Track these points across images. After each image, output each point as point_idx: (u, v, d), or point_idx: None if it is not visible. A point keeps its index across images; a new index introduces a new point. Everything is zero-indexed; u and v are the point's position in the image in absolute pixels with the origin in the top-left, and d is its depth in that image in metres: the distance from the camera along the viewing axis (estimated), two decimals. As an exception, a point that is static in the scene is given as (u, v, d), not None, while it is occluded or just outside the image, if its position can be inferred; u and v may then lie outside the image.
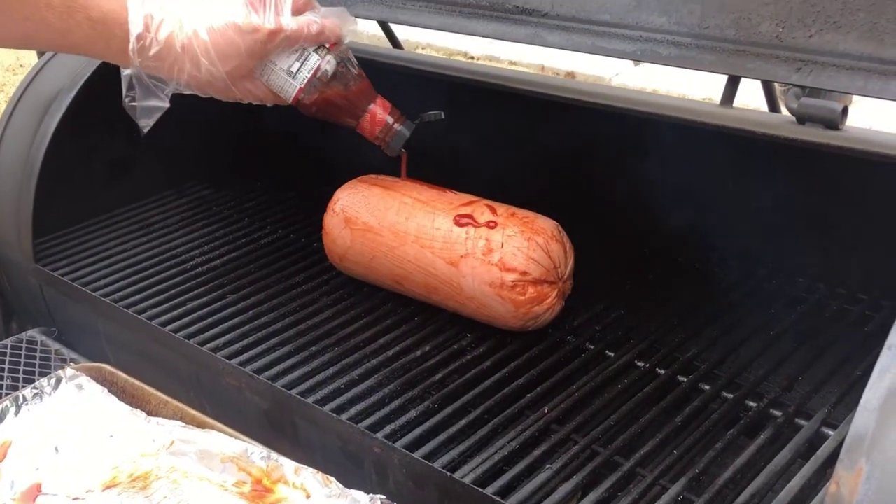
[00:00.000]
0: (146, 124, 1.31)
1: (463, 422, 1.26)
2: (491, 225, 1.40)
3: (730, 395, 1.31)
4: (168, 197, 2.00)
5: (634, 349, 1.41)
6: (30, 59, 4.49)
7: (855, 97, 1.82)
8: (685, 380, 1.35)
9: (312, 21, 1.30)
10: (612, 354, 1.42)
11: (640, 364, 1.38)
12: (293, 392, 1.33)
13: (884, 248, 1.41)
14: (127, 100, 1.29)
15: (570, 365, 1.39)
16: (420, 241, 1.45)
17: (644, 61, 1.33)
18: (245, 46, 1.24)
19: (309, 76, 1.32)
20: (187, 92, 1.29)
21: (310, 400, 1.31)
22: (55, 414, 1.29)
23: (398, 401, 1.32)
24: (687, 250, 1.62)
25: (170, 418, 1.23)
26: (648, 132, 1.43)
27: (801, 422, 1.23)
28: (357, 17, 1.63)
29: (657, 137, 1.44)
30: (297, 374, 1.39)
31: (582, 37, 1.39)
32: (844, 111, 1.16)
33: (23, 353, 1.67)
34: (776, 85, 1.37)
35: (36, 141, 1.76)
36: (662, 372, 1.37)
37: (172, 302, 1.60)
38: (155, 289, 1.65)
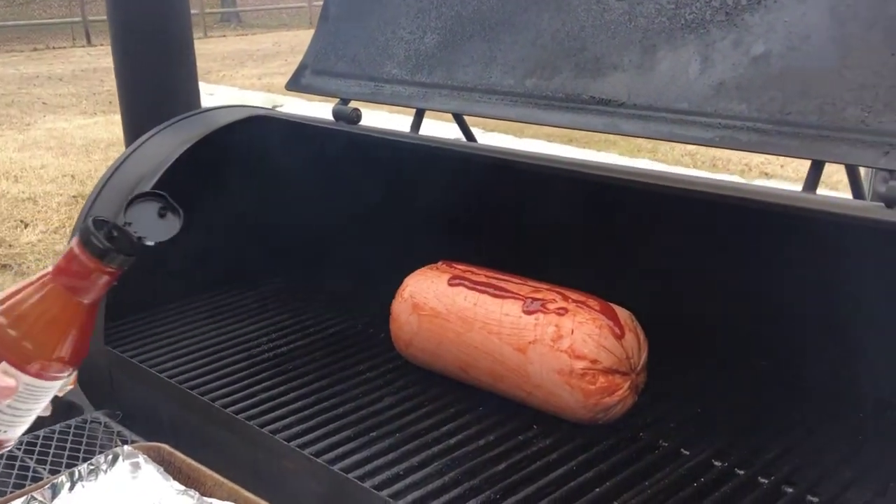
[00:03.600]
0: None
1: (525, 514, 1.20)
2: (561, 312, 1.37)
3: (815, 500, 1.22)
4: (240, 287, 2.02)
5: (711, 448, 1.33)
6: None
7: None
8: (766, 482, 1.26)
9: None
10: (686, 452, 1.34)
11: (718, 463, 1.31)
12: (350, 476, 1.29)
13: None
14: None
15: (641, 461, 1.32)
16: (487, 326, 1.42)
17: (724, 147, 1.30)
18: None
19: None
20: None
21: (367, 485, 1.27)
22: (109, 491, 1.27)
23: (458, 490, 1.26)
24: (769, 350, 1.55)
25: (224, 500, 1.20)
26: (732, 222, 1.39)
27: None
28: (433, 109, 1.67)
29: (743, 228, 1.40)
30: (355, 458, 1.35)
31: (659, 125, 1.37)
32: (936, 195, 1.11)
33: (85, 434, 1.66)
34: (862, 172, 1.32)
35: (117, 226, 1.80)
36: (741, 472, 1.29)
37: (234, 385, 1.59)
38: (218, 373, 1.64)
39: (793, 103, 1.24)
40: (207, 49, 15.83)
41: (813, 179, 1.25)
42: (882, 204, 1.15)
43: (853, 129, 1.18)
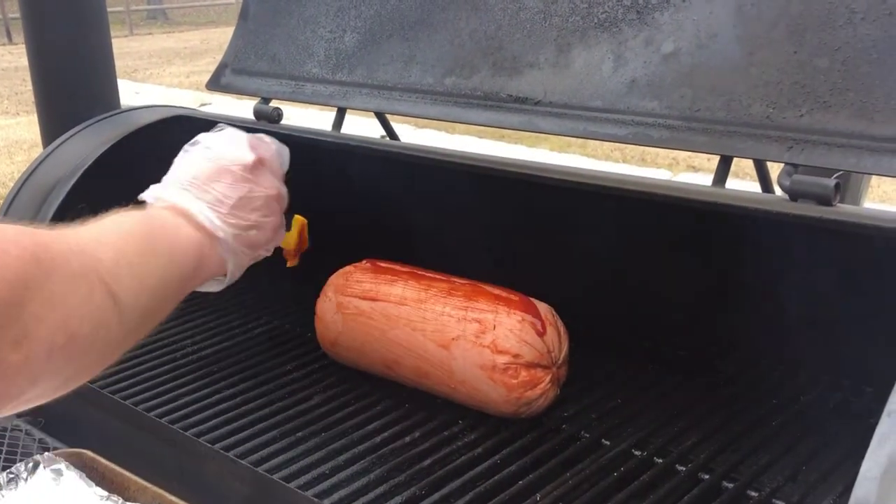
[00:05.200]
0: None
1: (450, 508, 1.21)
2: (483, 308, 1.38)
3: (730, 485, 1.26)
4: (164, 289, 1.99)
5: (631, 437, 1.36)
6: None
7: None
8: (683, 469, 1.29)
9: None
10: (607, 443, 1.37)
11: (637, 453, 1.34)
12: (276, 477, 1.28)
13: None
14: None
15: (563, 452, 1.34)
16: (411, 324, 1.42)
17: (636, 144, 1.33)
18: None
19: None
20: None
21: (292, 485, 1.27)
22: (31, 500, 1.26)
23: (383, 486, 1.27)
24: (688, 341, 1.58)
25: (148, 504, 1.19)
26: (644, 217, 1.43)
27: (806, 511, 1.18)
28: (354, 108, 1.68)
29: (654, 222, 1.43)
30: (280, 458, 1.35)
31: (574, 122, 1.39)
32: (837, 187, 1.15)
33: (6, 442, 1.62)
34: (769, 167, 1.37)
35: (33, 229, 1.76)
36: (660, 461, 1.32)
37: (158, 389, 1.57)
38: (141, 376, 1.62)
39: (702, 100, 1.27)
40: (133, 47, 15.54)
41: (722, 174, 1.29)
42: (787, 197, 1.20)
43: (759, 125, 1.22)
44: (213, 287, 1.25)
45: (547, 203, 1.59)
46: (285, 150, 1.35)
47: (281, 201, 1.29)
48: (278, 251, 1.44)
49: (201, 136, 1.29)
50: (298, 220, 1.46)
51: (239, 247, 1.20)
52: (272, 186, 1.26)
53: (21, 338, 0.77)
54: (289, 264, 1.51)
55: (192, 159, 1.24)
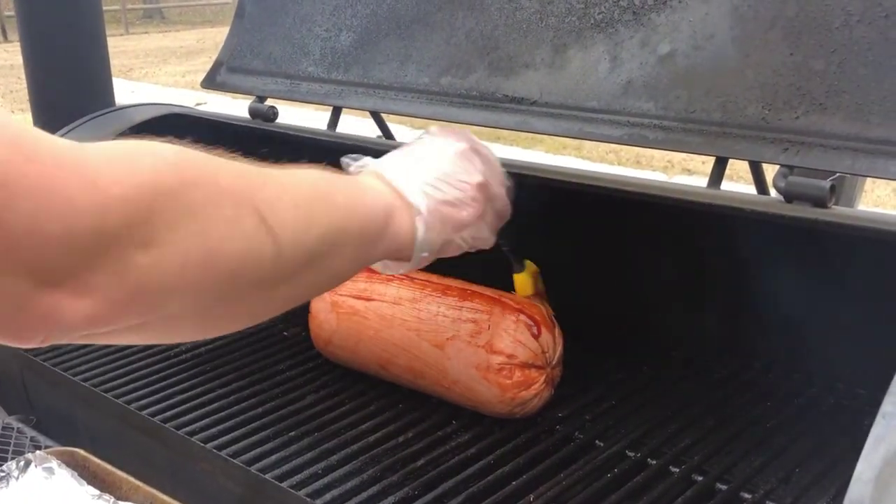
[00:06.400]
0: None
1: (443, 508, 1.21)
2: (478, 308, 1.38)
3: (724, 487, 1.25)
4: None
5: (625, 439, 1.36)
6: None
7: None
8: (677, 470, 1.29)
9: None
10: (601, 444, 1.37)
11: (631, 454, 1.33)
12: (268, 476, 1.28)
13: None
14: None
15: (557, 453, 1.34)
16: (406, 323, 1.42)
17: (632, 145, 1.33)
18: None
19: None
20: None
21: (284, 484, 1.26)
22: (21, 498, 1.25)
23: (376, 486, 1.27)
24: (682, 343, 1.58)
25: (140, 504, 1.19)
26: (638, 217, 1.43)
27: (799, 514, 1.18)
28: (349, 107, 1.67)
29: (649, 223, 1.43)
30: (273, 458, 1.34)
31: (570, 123, 1.39)
32: (832, 189, 1.15)
33: (-3, 440, 1.62)
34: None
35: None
36: (654, 462, 1.32)
37: (151, 388, 1.57)
38: (134, 375, 1.61)
39: (697, 101, 1.27)
40: (129, 46, 15.52)
41: (717, 175, 1.29)
42: (782, 198, 1.20)
43: (754, 127, 1.22)
44: (399, 269, 1.17)
45: (542, 203, 1.59)
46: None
47: (488, 194, 1.20)
48: None
49: (426, 131, 1.25)
50: (531, 266, 1.44)
51: (432, 220, 1.11)
52: (481, 175, 1.19)
53: (149, 240, 0.72)
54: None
55: (410, 145, 1.20)
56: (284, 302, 0.96)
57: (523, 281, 1.44)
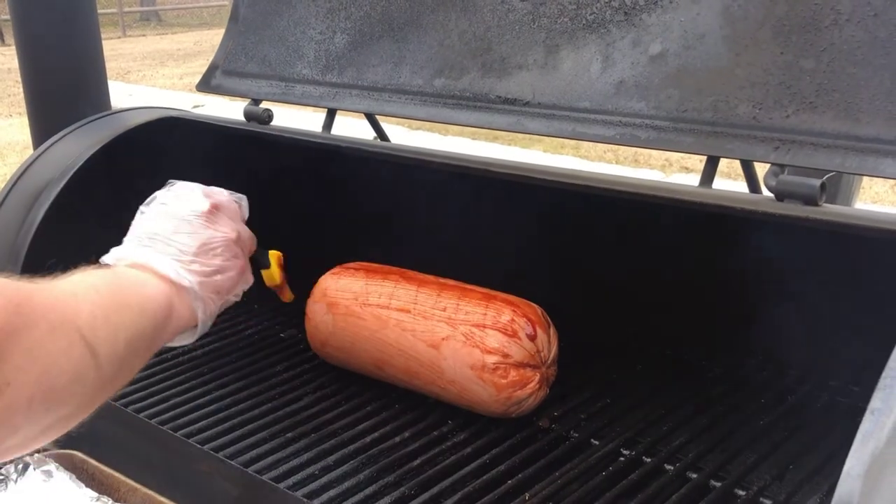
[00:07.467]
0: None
1: (439, 508, 1.22)
2: (473, 308, 1.39)
3: (717, 484, 1.26)
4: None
5: (620, 437, 1.37)
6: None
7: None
8: (672, 468, 1.30)
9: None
10: (596, 443, 1.37)
11: (626, 452, 1.34)
12: (265, 477, 1.29)
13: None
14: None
15: (553, 452, 1.35)
16: (401, 324, 1.43)
17: (623, 144, 1.34)
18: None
19: None
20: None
21: (282, 485, 1.27)
22: (20, 501, 1.26)
23: (373, 487, 1.27)
24: (675, 342, 1.59)
25: (137, 506, 1.19)
26: (632, 217, 1.43)
27: (792, 510, 1.19)
28: (344, 109, 1.68)
29: (642, 223, 1.44)
30: (270, 459, 1.35)
31: (562, 123, 1.40)
32: (823, 187, 1.15)
33: (-5, 443, 1.62)
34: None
35: (22, 231, 1.76)
36: (648, 460, 1.32)
37: (148, 390, 1.57)
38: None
39: (688, 101, 1.28)
40: (126, 49, 15.51)
41: (709, 174, 1.29)
42: (773, 197, 1.20)
43: (745, 126, 1.22)
44: (187, 339, 1.22)
45: (537, 204, 1.60)
46: (243, 199, 1.35)
47: (242, 244, 1.28)
48: (272, 293, 1.46)
49: (156, 194, 1.28)
50: (274, 254, 1.44)
51: (206, 294, 1.19)
52: (231, 230, 1.26)
53: (3, 385, 0.78)
54: (284, 300, 1.48)
55: (150, 217, 1.24)
56: (99, 403, 1.00)
57: (270, 274, 1.44)
